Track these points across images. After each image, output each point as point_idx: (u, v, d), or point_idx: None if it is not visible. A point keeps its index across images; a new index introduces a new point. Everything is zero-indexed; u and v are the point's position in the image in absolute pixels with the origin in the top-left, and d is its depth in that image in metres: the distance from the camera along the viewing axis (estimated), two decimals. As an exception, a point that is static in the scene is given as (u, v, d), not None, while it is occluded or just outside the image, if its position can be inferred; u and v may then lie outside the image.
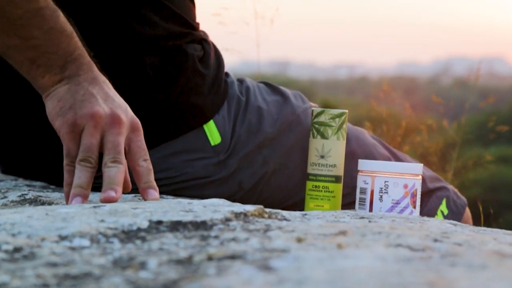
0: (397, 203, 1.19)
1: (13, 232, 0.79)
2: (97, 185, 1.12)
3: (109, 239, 0.78)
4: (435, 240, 0.82)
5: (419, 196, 1.20)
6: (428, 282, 0.60)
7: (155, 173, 1.25)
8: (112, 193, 1.04)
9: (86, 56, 1.11)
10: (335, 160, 1.22)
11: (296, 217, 0.98)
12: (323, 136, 1.23)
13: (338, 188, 1.23)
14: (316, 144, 1.23)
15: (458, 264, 0.68)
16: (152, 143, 1.30)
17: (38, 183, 1.34)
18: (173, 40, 1.31)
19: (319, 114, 1.23)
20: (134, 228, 0.82)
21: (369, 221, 0.97)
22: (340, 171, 1.23)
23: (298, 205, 1.36)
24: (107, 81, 1.11)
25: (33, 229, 0.80)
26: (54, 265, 0.68)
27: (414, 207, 1.19)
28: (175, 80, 1.30)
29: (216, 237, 0.80)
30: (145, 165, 1.09)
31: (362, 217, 1.02)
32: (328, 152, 1.22)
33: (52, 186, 1.32)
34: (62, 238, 0.77)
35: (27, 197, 1.18)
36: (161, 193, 1.32)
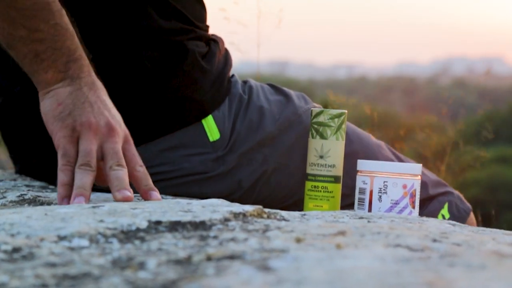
0: (396, 203, 1.19)
1: (12, 232, 0.79)
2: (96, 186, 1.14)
3: (108, 239, 0.78)
4: (434, 240, 0.82)
5: (418, 196, 1.20)
6: (427, 282, 0.60)
7: (152, 167, 1.27)
8: (128, 193, 1.07)
9: (86, 58, 1.13)
10: (334, 160, 1.22)
11: (295, 217, 0.98)
12: (322, 136, 1.23)
13: (337, 188, 1.23)
14: (315, 144, 1.23)
15: (457, 264, 0.68)
16: (149, 136, 1.31)
17: (37, 183, 1.34)
18: (174, 35, 1.32)
19: (318, 114, 1.23)
20: (133, 228, 0.83)
21: (368, 221, 0.97)
22: (339, 171, 1.23)
23: (298, 204, 1.36)
24: (103, 88, 1.14)
25: (32, 229, 0.80)
26: (53, 265, 0.68)
27: (413, 207, 1.19)
28: (173, 73, 1.31)
29: (215, 237, 0.80)
30: (142, 170, 1.13)
31: (361, 217, 1.02)
32: (327, 152, 1.22)
33: (51, 186, 1.32)
34: (61, 238, 0.77)
35: (26, 197, 1.18)
36: (159, 189, 1.33)
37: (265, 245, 0.76)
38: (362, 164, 1.21)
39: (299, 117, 1.40)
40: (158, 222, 0.85)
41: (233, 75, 1.41)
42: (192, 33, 1.34)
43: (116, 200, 1.06)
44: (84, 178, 1.07)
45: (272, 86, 1.45)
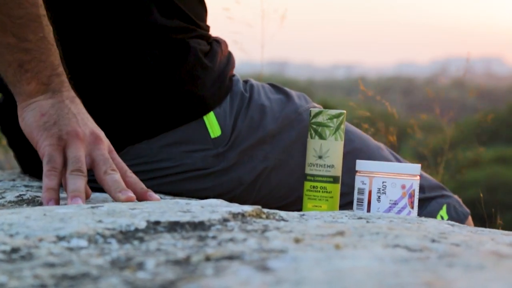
0: (395, 203, 1.19)
1: (10, 233, 0.79)
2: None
3: (107, 240, 0.78)
4: (433, 241, 0.82)
5: (417, 196, 1.20)
6: (426, 282, 0.60)
7: (153, 162, 1.29)
8: (130, 193, 1.08)
9: (66, 76, 1.14)
10: (333, 161, 1.22)
11: (294, 218, 0.98)
12: (321, 137, 1.23)
13: (336, 188, 1.23)
14: (314, 145, 1.23)
15: (456, 265, 0.68)
16: (151, 132, 1.31)
17: (35, 184, 1.33)
18: (176, 33, 1.33)
19: (317, 114, 1.23)
20: (132, 228, 0.82)
21: (367, 222, 0.97)
22: (338, 171, 1.23)
23: (298, 202, 1.36)
24: (82, 104, 1.15)
25: (30, 229, 0.80)
26: (51, 265, 0.68)
27: (412, 207, 1.19)
28: (175, 70, 1.32)
29: (213, 237, 0.80)
30: (133, 176, 1.14)
31: (360, 218, 1.02)
32: (326, 153, 1.22)
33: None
34: (60, 238, 0.77)
35: (24, 197, 1.18)
36: (160, 184, 1.34)
37: (264, 246, 0.76)
38: (361, 165, 1.21)
39: (299, 115, 1.40)
40: (157, 223, 0.85)
41: (234, 75, 1.42)
42: (194, 31, 1.36)
43: (119, 201, 1.07)
44: (78, 183, 1.07)
45: (272, 85, 1.47)
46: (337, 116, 1.23)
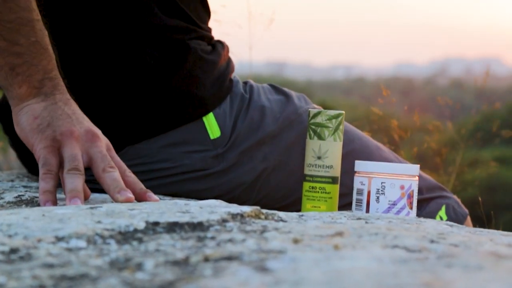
0: (394, 204, 1.19)
1: (9, 233, 0.79)
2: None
3: (106, 240, 0.78)
4: (432, 241, 0.82)
5: (416, 197, 1.20)
6: (425, 283, 0.60)
7: (153, 163, 1.28)
8: (129, 194, 1.07)
9: (61, 80, 1.14)
10: (332, 161, 1.22)
11: (293, 218, 0.98)
12: (320, 137, 1.23)
13: (335, 189, 1.23)
14: (312, 145, 1.23)
15: (455, 265, 0.68)
16: (150, 132, 1.31)
17: (34, 184, 1.33)
18: (177, 34, 1.33)
19: (315, 115, 1.23)
20: (131, 229, 0.82)
21: (366, 222, 0.97)
22: (337, 172, 1.23)
23: (297, 203, 1.36)
24: (76, 105, 1.14)
25: (29, 230, 0.80)
26: (50, 266, 0.68)
27: (411, 208, 1.19)
28: (175, 70, 1.32)
29: (212, 238, 0.80)
30: (133, 175, 1.13)
31: (358, 218, 1.02)
32: (325, 153, 1.22)
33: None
34: (59, 239, 0.77)
35: (23, 198, 1.18)
36: (159, 185, 1.33)
37: (263, 246, 0.76)
38: (360, 165, 1.21)
39: (299, 116, 1.41)
40: (156, 223, 0.85)
41: (234, 76, 1.42)
42: (194, 32, 1.36)
43: (117, 201, 1.06)
44: (75, 182, 1.06)
45: (272, 86, 1.47)
46: (336, 116, 1.23)
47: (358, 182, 1.21)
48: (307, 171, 1.23)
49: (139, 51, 1.30)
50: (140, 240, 0.79)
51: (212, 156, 1.34)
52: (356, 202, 1.21)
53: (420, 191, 1.41)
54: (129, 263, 0.69)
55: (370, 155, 1.41)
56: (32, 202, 1.15)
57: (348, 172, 1.31)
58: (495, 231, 1.03)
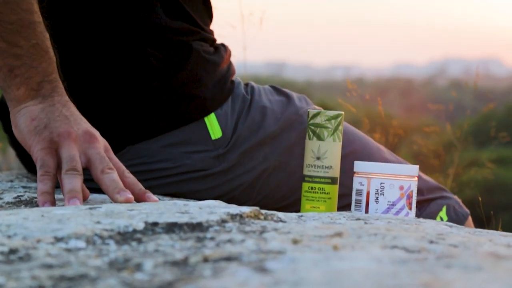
0: (393, 204, 1.19)
1: (8, 234, 0.79)
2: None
3: (105, 241, 0.78)
4: (431, 242, 0.82)
5: (415, 197, 1.20)
6: (424, 283, 0.60)
7: (153, 163, 1.28)
8: (129, 194, 1.07)
9: (61, 83, 1.13)
10: (331, 162, 1.22)
11: (292, 219, 0.98)
12: (319, 138, 1.23)
13: (334, 189, 1.23)
14: (312, 146, 1.23)
15: (454, 266, 0.68)
16: (152, 132, 1.31)
17: (34, 185, 1.33)
18: (180, 35, 1.33)
19: (315, 115, 1.23)
20: (130, 229, 0.82)
21: (365, 223, 0.97)
22: (336, 172, 1.23)
23: (297, 203, 1.36)
24: (75, 107, 1.14)
25: (28, 230, 0.80)
26: (49, 266, 0.68)
27: (410, 208, 1.19)
28: (177, 71, 1.32)
29: (212, 238, 0.80)
30: (132, 176, 1.13)
31: (358, 219, 1.02)
32: (324, 154, 1.22)
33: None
34: (58, 239, 0.77)
35: (22, 198, 1.18)
36: (159, 185, 1.33)
37: (262, 247, 0.76)
38: (359, 166, 1.21)
39: (300, 117, 1.41)
40: (155, 224, 0.85)
41: (235, 78, 1.43)
42: (197, 34, 1.36)
43: (117, 202, 1.06)
44: (73, 182, 1.06)
45: (273, 87, 1.47)
46: (335, 117, 1.23)
47: (357, 182, 1.21)
48: (306, 171, 1.23)
49: (142, 52, 1.30)
50: (139, 241, 0.79)
51: (212, 157, 1.34)
52: (355, 202, 1.21)
53: (420, 192, 1.41)
54: (128, 264, 0.69)
55: (370, 156, 1.42)
56: (31, 203, 1.15)
57: (348, 172, 1.31)
58: (494, 231, 1.03)
